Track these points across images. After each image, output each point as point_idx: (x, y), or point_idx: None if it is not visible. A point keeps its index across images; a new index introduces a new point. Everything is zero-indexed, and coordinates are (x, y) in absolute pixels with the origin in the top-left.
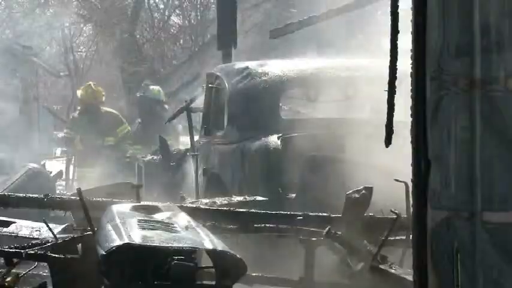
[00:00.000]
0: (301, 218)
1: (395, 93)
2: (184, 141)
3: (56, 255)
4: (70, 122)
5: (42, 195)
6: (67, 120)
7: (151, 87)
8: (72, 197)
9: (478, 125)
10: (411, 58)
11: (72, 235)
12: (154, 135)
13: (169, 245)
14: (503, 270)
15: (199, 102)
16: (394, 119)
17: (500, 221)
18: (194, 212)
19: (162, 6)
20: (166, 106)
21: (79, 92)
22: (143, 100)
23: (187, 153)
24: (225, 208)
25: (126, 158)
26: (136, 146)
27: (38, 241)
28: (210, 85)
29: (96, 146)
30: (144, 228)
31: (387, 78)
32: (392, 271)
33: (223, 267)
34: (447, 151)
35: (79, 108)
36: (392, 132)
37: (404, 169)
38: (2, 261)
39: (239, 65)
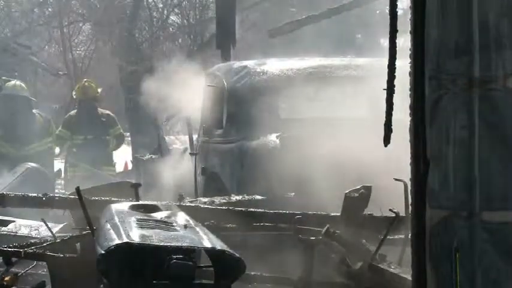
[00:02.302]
0: (300, 217)
1: (394, 93)
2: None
3: (55, 254)
4: (66, 120)
5: (41, 194)
6: (64, 119)
7: (12, 82)
8: (71, 196)
9: (476, 124)
10: (410, 57)
11: (70, 234)
12: (28, 136)
13: (168, 244)
14: (502, 269)
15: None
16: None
17: (499, 220)
18: (193, 211)
19: (161, 5)
20: (32, 103)
21: (76, 89)
22: (3, 98)
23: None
24: (224, 207)
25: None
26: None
27: (37, 240)
28: (208, 84)
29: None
30: (143, 227)
31: (386, 77)
32: (391, 270)
33: (222, 266)
34: (446, 150)
35: (76, 106)
36: (391, 132)
37: (403, 168)
38: (1, 260)
39: (238, 64)
